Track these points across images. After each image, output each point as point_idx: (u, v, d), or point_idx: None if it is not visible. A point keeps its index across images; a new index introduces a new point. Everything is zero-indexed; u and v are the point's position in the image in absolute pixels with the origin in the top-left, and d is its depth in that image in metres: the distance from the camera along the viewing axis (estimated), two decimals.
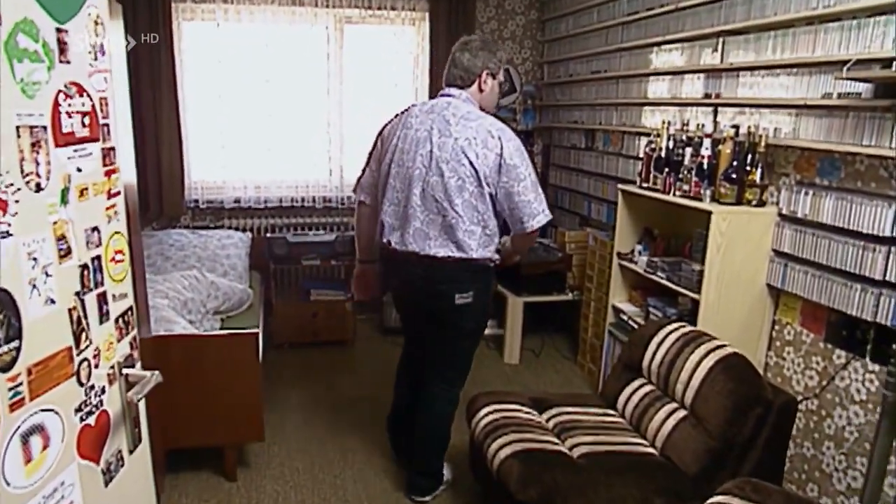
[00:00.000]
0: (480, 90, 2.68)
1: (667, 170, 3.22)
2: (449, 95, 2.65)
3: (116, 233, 1.27)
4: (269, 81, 4.93)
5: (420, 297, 2.76)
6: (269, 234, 4.57)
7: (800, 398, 2.89)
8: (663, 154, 3.26)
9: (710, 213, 2.86)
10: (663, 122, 3.26)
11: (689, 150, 3.12)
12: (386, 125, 2.83)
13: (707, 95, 3.33)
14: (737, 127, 2.98)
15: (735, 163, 2.89)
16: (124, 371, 1.28)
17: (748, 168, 2.88)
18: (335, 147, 5.17)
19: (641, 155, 3.92)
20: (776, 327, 3.05)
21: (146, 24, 4.51)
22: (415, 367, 3.05)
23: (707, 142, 2.98)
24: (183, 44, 4.77)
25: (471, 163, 2.49)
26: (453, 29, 5.02)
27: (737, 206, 2.89)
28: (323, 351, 4.59)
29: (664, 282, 3.25)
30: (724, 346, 2.54)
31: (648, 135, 3.85)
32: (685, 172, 3.09)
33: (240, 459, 3.15)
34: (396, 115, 2.80)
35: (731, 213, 2.86)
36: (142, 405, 1.40)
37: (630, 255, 3.63)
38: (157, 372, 1.29)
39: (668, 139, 3.27)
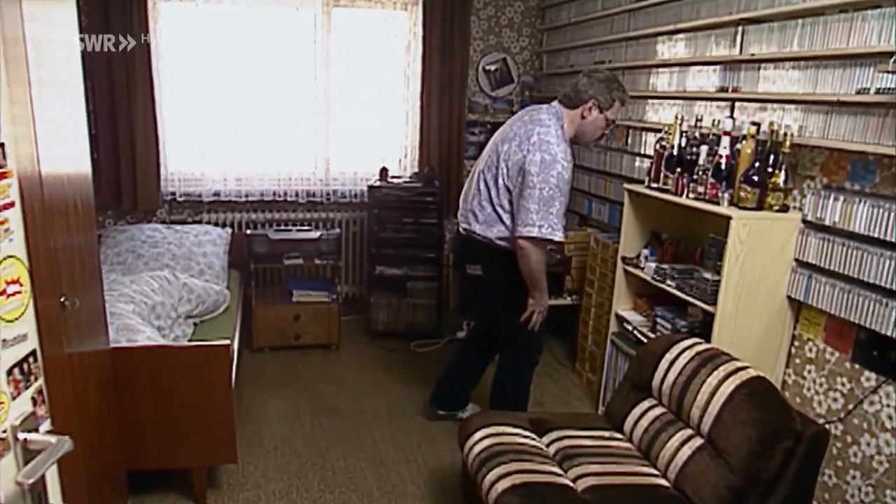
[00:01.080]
0: (583, 116, 2.82)
1: (679, 169, 2.96)
2: (548, 103, 2.90)
3: (9, 257, 1.00)
4: (251, 67, 4.63)
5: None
6: (249, 231, 4.29)
7: (822, 421, 2.65)
8: (675, 152, 3.00)
9: (729, 218, 2.60)
10: (676, 118, 3.00)
11: (704, 149, 2.86)
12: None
13: (723, 89, 3.07)
14: (758, 124, 2.72)
15: (757, 164, 2.63)
16: (22, 436, 1.00)
17: (770, 170, 2.63)
18: (321, 138, 4.88)
19: (648, 152, 3.68)
20: (796, 343, 2.81)
21: (119, 2, 4.20)
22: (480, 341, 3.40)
23: (725, 140, 2.72)
24: (159, 25, 4.45)
25: (502, 151, 2.84)
26: (448, 14, 4.74)
27: (758, 211, 2.64)
28: (306, 356, 4.32)
29: (674, 291, 3.00)
30: (745, 367, 2.29)
31: (657, 130, 3.59)
32: (700, 173, 2.83)
33: (210, 481, 2.88)
34: None
35: (753, 218, 2.61)
36: (53, 471, 1.12)
37: (636, 260, 3.38)
38: (67, 438, 1.01)
39: (681, 136, 3.01)
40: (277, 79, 4.70)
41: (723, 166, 2.72)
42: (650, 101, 3.72)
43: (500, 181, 2.85)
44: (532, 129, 2.78)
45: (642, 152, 3.82)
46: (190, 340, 3.32)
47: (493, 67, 5.17)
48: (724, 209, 2.67)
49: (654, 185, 3.12)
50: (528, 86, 5.24)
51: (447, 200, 4.83)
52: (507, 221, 2.87)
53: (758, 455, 2.09)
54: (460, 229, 3.09)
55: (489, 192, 2.91)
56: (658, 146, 3.11)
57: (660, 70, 3.59)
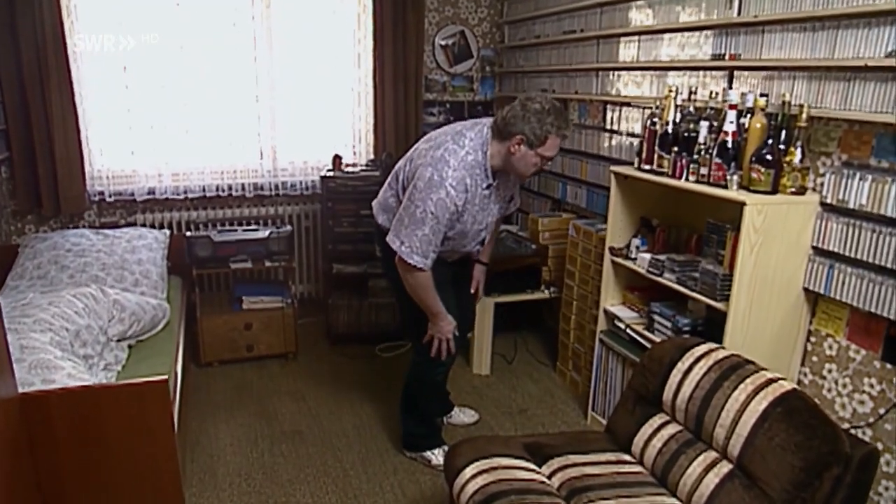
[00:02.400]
0: (510, 152, 2.48)
1: (675, 149, 2.62)
2: (486, 126, 2.56)
3: None
4: (182, 48, 4.13)
5: None
6: (189, 233, 3.82)
7: (847, 426, 2.38)
8: (670, 129, 2.66)
9: (741, 204, 2.28)
10: (670, 90, 2.66)
11: (704, 125, 2.53)
12: None
13: (718, 57, 2.75)
14: (766, 96, 2.40)
15: (770, 141, 2.31)
16: None
17: (783, 147, 2.31)
18: (265, 125, 4.42)
19: (631, 129, 3.35)
20: (812, 339, 2.52)
21: None
22: None
23: (731, 114, 2.39)
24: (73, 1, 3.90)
25: (419, 148, 2.61)
26: None
27: (773, 194, 2.33)
28: (261, 368, 3.89)
29: (675, 286, 2.68)
30: (775, 379, 1.98)
31: (640, 106, 3.27)
32: (702, 152, 2.50)
33: None
34: None
35: (768, 203, 2.29)
36: None
37: (625, 250, 3.05)
38: None
39: (676, 111, 2.67)
40: (214, 61, 4.21)
41: (729, 144, 2.40)
42: (629, 73, 3.38)
43: (401, 177, 2.66)
44: (444, 142, 2.52)
45: (622, 130, 3.48)
46: (124, 367, 2.87)
47: (450, 42, 4.76)
48: (734, 193, 2.35)
49: (647, 166, 2.79)
50: (488, 60, 4.86)
51: None
52: (393, 200, 2.70)
53: (803, 485, 1.78)
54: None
55: (393, 182, 2.73)
56: (649, 123, 2.77)
57: (641, 38, 3.24)
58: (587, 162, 3.78)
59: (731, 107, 2.39)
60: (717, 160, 2.42)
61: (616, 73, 3.48)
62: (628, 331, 3.02)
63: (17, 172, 3.99)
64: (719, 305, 2.45)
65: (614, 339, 3.12)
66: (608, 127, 3.61)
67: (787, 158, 2.30)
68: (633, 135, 3.39)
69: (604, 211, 3.58)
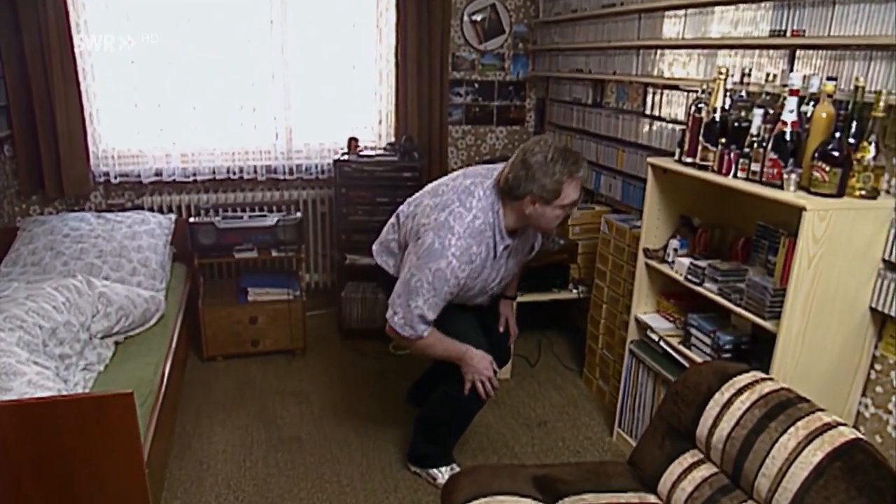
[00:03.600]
0: (524, 212, 2.25)
1: (723, 140, 2.27)
2: (491, 178, 2.34)
3: None
4: (191, 21, 3.87)
5: None
6: (192, 220, 3.58)
7: None
8: (718, 117, 2.30)
9: (801, 208, 1.93)
10: (720, 71, 2.29)
11: (758, 113, 2.16)
12: None
13: (777, 33, 2.37)
14: (834, 79, 2.03)
15: (837, 134, 1.94)
16: None
17: (854, 141, 1.95)
18: (280, 103, 4.15)
19: (674, 115, 2.99)
20: (877, 367, 2.16)
21: None
22: None
23: (792, 101, 2.02)
24: None
25: (424, 203, 2.39)
26: None
27: (838, 197, 1.96)
28: (266, 365, 3.66)
29: (716, 298, 2.33)
30: (835, 425, 1.63)
31: (687, 90, 2.90)
32: (755, 145, 2.14)
33: None
34: None
35: (833, 208, 1.93)
36: None
37: (661, 252, 2.71)
38: None
39: (725, 96, 2.31)
40: (225, 35, 3.94)
41: (788, 136, 2.03)
42: (673, 51, 3.01)
43: (404, 227, 2.47)
44: (450, 203, 2.27)
45: (664, 115, 3.12)
46: (106, 367, 2.64)
47: (480, 17, 4.41)
48: (791, 195, 1.99)
49: (689, 159, 2.43)
50: (521, 37, 4.49)
51: (428, 176, 4.11)
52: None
53: None
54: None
55: (395, 225, 2.57)
56: (693, 109, 2.41)
57: (688, 12, 2.87)
58: (624, 150, 3.42)
59: (792, 92, 2.02)
60: (773, 155, 2.06)
61: (659, 51, 3.11)
62: (661, 343, 2.68)
63: (19, 151, 3.80)
64: (768, 325, 2.11)
65: (646, 351, 2.79)
66: (648, 112, 3.25)
67: (858, 155, 1.93)
68: (676, 122, 3.03)
69: (640, 205, 3.23)
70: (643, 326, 2.82)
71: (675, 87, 3.02)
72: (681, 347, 2.57)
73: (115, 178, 4.02)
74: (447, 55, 4.30)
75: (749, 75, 2.41)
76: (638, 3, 3.20)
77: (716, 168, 2.29)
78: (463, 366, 2.42)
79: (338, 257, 3.98)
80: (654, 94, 3.20)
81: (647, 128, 3.24)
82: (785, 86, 2.12)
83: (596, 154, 3.68)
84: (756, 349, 2.34)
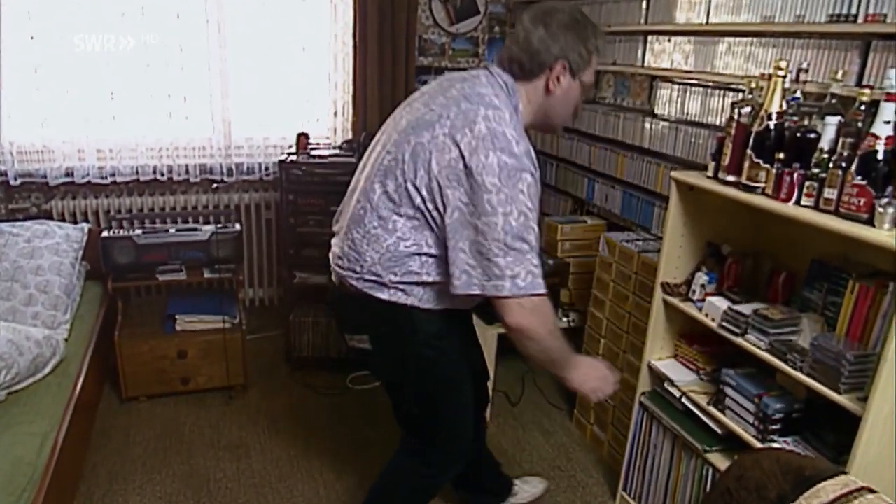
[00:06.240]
0: (548, 90, 1.69)
1: (782, 156, 1.75)
2: (486, 69, 1.72)
3: None
4: None
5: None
6: (105, 234, 2.94)
7: None
8: (773, 125, 1.78)
9: None
10: (778, 66, 1.77)
11: (831, 122, 1.65)
12: None
13: (842, 17, 1.86)
14: None
15: None
16: None
17: None
18: (217, 91, 3.52)
19: (688, 115, 2.49)
20: None
21: None
22: None
23: (889, 108, 1.51)
24: None
25: (416, 144, 1.61)
26: None
27: None
28: (199, 405, 3.06)
29: (766, 356, 1.83)
30: None
31: (695, 84, 2.40)
32: (830, 165, 1.63)
33: None
34: None
35: None
36: None
37: (683, 288, 2.20)
38: None
39: (782, 98, 1.79)
40: (152, 8, 3.29)
41: (881, 156, 1.53)
42: (693, 38, 2.49)
43: (400, 178, 1.63)
44: (474, 112, 1.58)
45: (671, 115, 2.61)
46: None
47: None
48: (887, 236, 1.49)
49: (731, 177, 1.91)
50: (498, 18, 3.94)
51: None
52: (392, 239, 1.66)
53: None
54: (333, 277, 1.85)
55: (368, 191, 1.69)
56: (737, 114, 1.89)
57: None
58: (625, 155, 2.90)
59: (890, 97, 1.52)
60: (858, 179, 1.55)
61: (672, 38, 2.59)
62: (684, 400, 2.18)
63: None
64: (845, 401, 1.61)
65: (662, 406, 2.29)
66: (656, 111, 2.74)
67: None
68: (691, 123, 2.52)
69: (643, 221, 2.76)
70: (659, 376, 2.31)
71: (693, 84, 2.51)
72: (711, 409, 2.06)
73: (16, 178, 3.35)
74: (413, 38, 3.72)
75: (806, 72, 1.90)
76: None
77: (771, 192, 1.78)
78: (575, 376, 1.78)
79: (285, 274, 3.38)
80: (662, 88, 2.68)
81: (653, 129, 2.72)
82: (863, 86, 1.61)
83: (589, 158, 3.16)
84: (812, 419, 1.85)
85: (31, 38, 3.17)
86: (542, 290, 1.58)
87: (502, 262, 1.53)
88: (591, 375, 1.81)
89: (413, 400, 1.92)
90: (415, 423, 1.98)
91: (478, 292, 1.57)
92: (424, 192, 1.60)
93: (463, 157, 1.54)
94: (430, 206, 1.60)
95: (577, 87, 1.72)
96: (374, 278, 1.68)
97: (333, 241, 1.85)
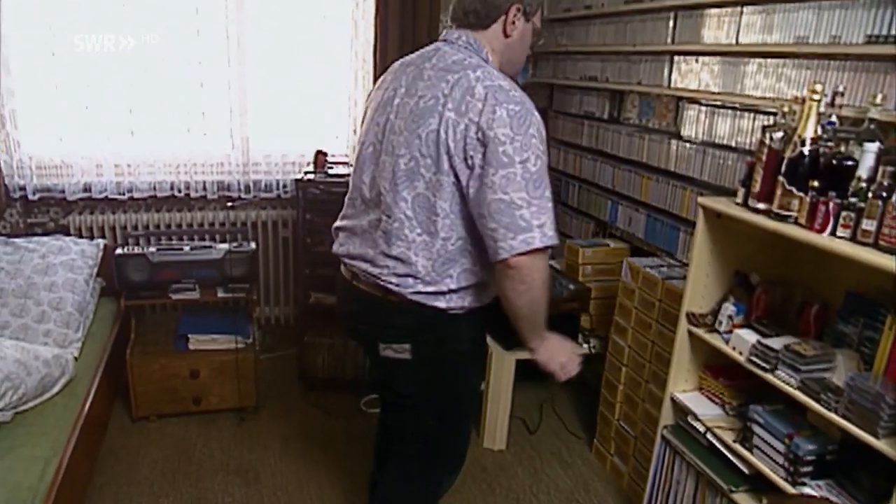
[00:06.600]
0: (505, 34, 1.70)
1: (816, 183, 1.66)
2: (443, 41, 1.72)
3: None
4: (125, 5, 3.20)
5: (358, 339, 1.98)
6: (119, 251, 2.91)
7: None
8: (808, 151, 1.69)
9: None
10: (813, 90, 1.68)
11: (870, 149, 1.57)
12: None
13: (878, 39, 1.78)
14: None
15: None
16: None
17: None
18: (236, 106, 3.50)
19: (717, 138, 2.40)
20: None
21: None
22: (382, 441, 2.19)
23: None
24: None
25: (428, 135, 1.55)
26: None
27: None
28: (209, 426, 3.00)
29: (798, 395, 1.73)
30: None
31: (723, 106, 2.31)
32: (868, 194, 1.54)
33: None
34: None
35: None
36: None
37: (710, 318, 2.11)
38: None
39: (817, 123, 1.71)
40: (170, 24, 3.28)
41: None
42: (720, 59, 2.41)
43: (428, 174, 1.57)
44: (465, 78, 1.55)
45: (697, 138, 2.53)
46: None
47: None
48: None
49: (762, 205, 1.83)
50: None
51: None
52: (439, 242, 1.61)
53: None
54: (359, 284, 1.76)
55: (395, 199, 1.61)
56: (768, 139, 1.81)
57: (744, 9, 2.27)
58: (649, 177, 2.82)
59: None
60: None
61: (699, 58, 2.51)
62: (709, 436, 2.08)
63: None
64: (885, 447, 1.51)
65: (685, 441, 2.19)
66: (682, 133, 2.65)
67: None
68: (719, 146, 2.43)
69: (668, 246, 2.67)
70: (682, 409, 2.21)
71: (722, 106, 2.42)
72: (738, 447, 1.96)
73: (34, 193, 3.35)
74: None
75: (842, 95, 1.81)
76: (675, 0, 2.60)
77: (805, 221, 1.69)
78: (543, 349, 1.76)
79: (300, 294, 3.33)
80: (690, 110, 2.60)
81: (679, 152, 2.64)
82: None
83: (613, 180, 3.08)
84: (846, 461, 1.75)
85: (53, 54, 3.17)
86: (552, 242, 1.55)
87: (527, 214, 1.49)
88: (560, 352, 1.77)
89: (431, 412, 1.82)
90: (421, 440, 1.88)
91: (506, 256, 1.51)
92: (453, 177, 1.55)
93: (475, 123, 1.51)
94: (461, 185, 1.55)
95: (530, 30, 1.74)
96: (430, 289, 1.63)
97: (349, 251, 1.80)
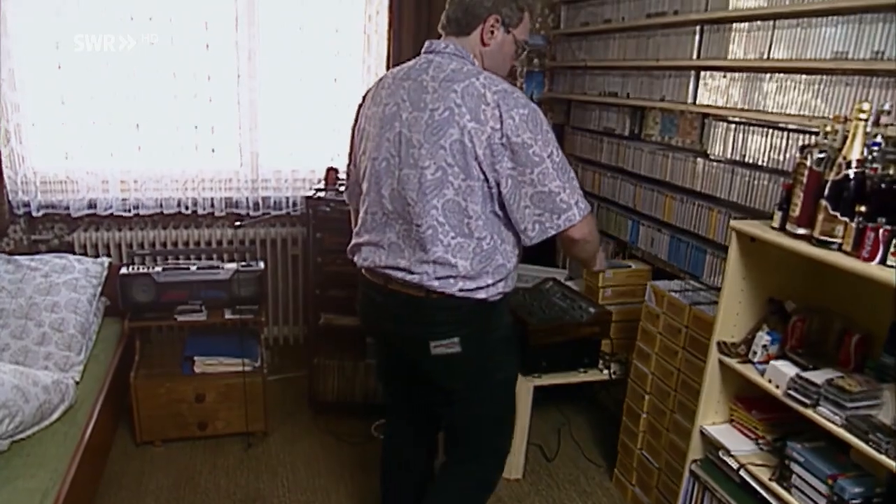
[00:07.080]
0: (483, 42, 1.81)
1: (863, 209, 1.56)
2: (431, 52, 1.81)
3: None
4: (134, 19, 3.14)
5: (397, 344, 2.00)
6: (123, 271, 2.83)
7: None
8: (853, 174, 1.59)
9: None
10: (860, 110, 1.58)
11: None
12: (364, 97, 1.95)
13: None
14: None
15: None
16: None
17: None
18: (245, 122, 3.42)
19: (745, 157, 2.30)
20: None
21: None
22: (405, 453, 2.24)
23: None
24: None
25: (452, 144, 1.65)
26: None
27: None
28: (216, 451, 2.90)
29: (842, 433, 1.62)
30: None
31: (752, 124, 2.21)
32: None
33: None
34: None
35: None
36: None
37: (743, 349, 2.00)
38: None
39: (863, 144, 1.60)
40: (179, 37, 3.22)
41: None
42: (750, 75, 2.32)
43: (457, 182, 1.69)
44: (471, 85, 1.66)
45: (723, 156, 2.43)
46: None
47: None
48: None
49: (802, 230, 1.72)
50: (537, 51, 3.79)
51: None
52: (473, 242, 1.75)
53: None
54: (396, 287, 1.82)
55: (425, 208, 1.71)
56: (808, 160, 1.71)
57: (776, 23, 2.17)
58: (673, 197, 2.72)
59: None
60: None
61: (728, 74, 2.41)
62: (742, 473, 1.96)
63: None
64: None
65: (715, 477, 2.07)
66: (708, 151, 2.55)
67: None
68: (748, 165, 2.33)
69: (693, 269, 2.56)
70: (712, 443, 2.10)
71: (750, 124, 2.32)
72: (774, 486, 1.85)
73: (38, 209, 3.27)
74: None
75: (889, 114, 1.71)
76: (700, 11, 2.50)
77: (850, 248, 1.58)
78: (600, 259, 2.01)
79: (310, 315, 3.23)
80: (717, 127, 2.50)
81: (707, 170, 2.53)
82: None
83: (634, 198, 2.98)
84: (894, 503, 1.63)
85: (59, 67, 3.11)
86: (588, 210, 1.75)
87: (565, 196, 1.68)
88: (602, 256, 2.02)
89: (479, 402, 1.96)
90: (468, 435, 2.02)
91: (553, 233, 1.71)
92: (483, 180, 1.67)
93: (498, 130, 1.63)
94: (491, 186, 1.68)
95: (512, 41, 1.82)
96: (472, 285, 1.74)
97: (375, 263, 1.84)
